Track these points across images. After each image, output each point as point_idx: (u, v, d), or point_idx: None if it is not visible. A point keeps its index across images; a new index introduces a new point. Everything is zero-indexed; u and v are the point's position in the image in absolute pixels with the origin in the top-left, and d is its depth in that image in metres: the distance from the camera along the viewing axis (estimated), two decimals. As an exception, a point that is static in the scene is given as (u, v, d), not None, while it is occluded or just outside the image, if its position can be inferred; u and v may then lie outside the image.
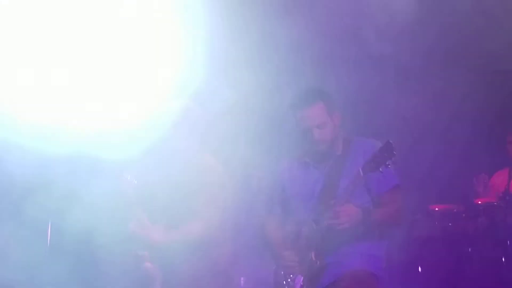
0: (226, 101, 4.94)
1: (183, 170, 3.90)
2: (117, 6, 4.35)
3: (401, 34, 5.44)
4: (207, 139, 4.04)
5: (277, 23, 5.20)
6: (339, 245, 3.60)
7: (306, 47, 5.74)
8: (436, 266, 6.30)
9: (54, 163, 4.42)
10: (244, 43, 5.24)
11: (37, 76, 4.30)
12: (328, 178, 3.72)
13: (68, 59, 4.34)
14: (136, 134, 3.93)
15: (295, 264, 3.65)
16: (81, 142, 4.28)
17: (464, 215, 6.25)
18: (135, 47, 4.40)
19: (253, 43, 5.30)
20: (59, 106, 4.36)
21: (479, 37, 5.67)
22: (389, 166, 3.40)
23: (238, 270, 4.78)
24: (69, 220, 4.31)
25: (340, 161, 3.73)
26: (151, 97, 4.24)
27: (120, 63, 4.39)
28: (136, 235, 3.82)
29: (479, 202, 6.03)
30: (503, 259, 5.85)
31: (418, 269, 6.38)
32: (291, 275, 3.66)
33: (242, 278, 5.53)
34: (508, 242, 5.83)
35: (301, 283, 3.60)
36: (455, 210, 6.26)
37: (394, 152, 3.39)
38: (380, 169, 3.42)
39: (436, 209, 6.34)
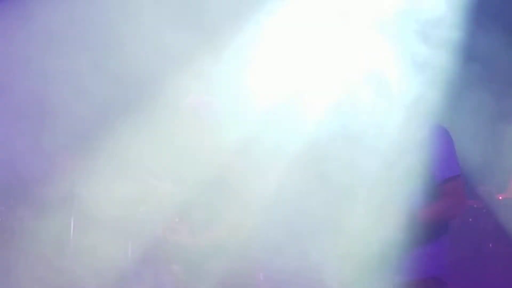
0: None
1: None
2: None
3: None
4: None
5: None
6: None
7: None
8: (456, 263, 6.27)
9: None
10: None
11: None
12: None
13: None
14: None
15: None
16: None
17: (484, 210, 6.23)
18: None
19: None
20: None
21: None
22: None
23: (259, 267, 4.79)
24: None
25: None
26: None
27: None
28: (166, 239, 3.78)
29: (500, 198, 6.01)
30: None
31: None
32: None
33: (261, 274, 5.54)
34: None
35: None
36: (475, 205, 6.24)
37: None
38: None
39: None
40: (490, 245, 6.08)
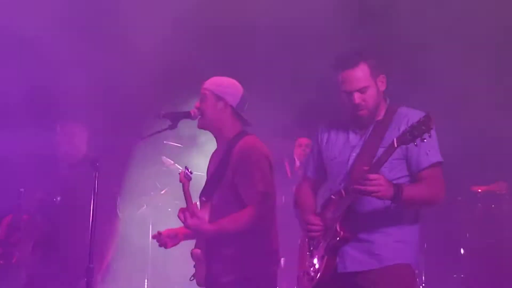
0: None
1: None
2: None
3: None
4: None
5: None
6: (366, 221, 3.42)
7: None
8: (479, 250, 6.20)
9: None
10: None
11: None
12: (366, 145, 3.50)
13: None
14: None
15: (319, 230, 3.47)
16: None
17: (508, 197, 6.15)
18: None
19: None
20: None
21: None
22: (425, 140, 3.15)
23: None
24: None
25: (380, 129, 3.50)
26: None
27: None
28: (187, 224, 3.68)
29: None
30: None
31: (461, 251, 6.30)
32: (314, 242, 3.49)
33: (282, 259, 5.53)
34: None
35: (322, 253, 3.43)
36: (498, 191, 6.16)
37: (432, 126, 3.12)
38: (415, 143, 3.16)
39: (479, 190, 6.24)
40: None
